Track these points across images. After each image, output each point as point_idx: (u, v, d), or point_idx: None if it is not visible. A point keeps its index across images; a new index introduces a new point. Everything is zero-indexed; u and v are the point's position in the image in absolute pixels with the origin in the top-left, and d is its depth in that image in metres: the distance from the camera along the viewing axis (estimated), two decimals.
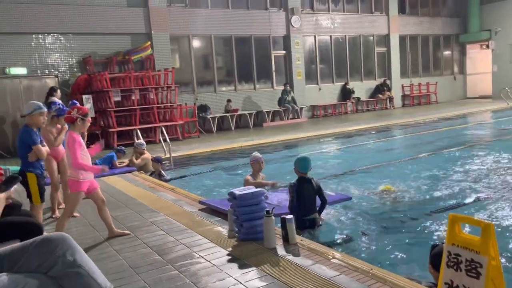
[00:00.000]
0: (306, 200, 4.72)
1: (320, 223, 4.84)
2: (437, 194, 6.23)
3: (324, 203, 4.87)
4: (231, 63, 16.28)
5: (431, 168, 7.93)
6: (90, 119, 4.51)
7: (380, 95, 19.74)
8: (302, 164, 4.85)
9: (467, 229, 3.98)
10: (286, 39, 17.26)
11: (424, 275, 3.44)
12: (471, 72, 23.41)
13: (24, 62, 12.41)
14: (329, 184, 7.18)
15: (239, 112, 15.77)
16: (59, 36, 12.92)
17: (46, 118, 4.83)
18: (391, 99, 19.99)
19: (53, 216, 5.51)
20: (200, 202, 5.56)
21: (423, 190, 6.46)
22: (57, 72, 12.95)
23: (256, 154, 6.38)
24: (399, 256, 4.22)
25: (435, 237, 4.55)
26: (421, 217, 5.30)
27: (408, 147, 11.06)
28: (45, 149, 4.87)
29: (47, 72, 12.82)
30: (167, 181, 7.97)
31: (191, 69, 15.34)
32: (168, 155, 9.69)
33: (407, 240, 4.63)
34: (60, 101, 9.29)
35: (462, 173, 7.46)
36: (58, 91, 10.01)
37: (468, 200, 5.87)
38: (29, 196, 4.69)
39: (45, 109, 4.77)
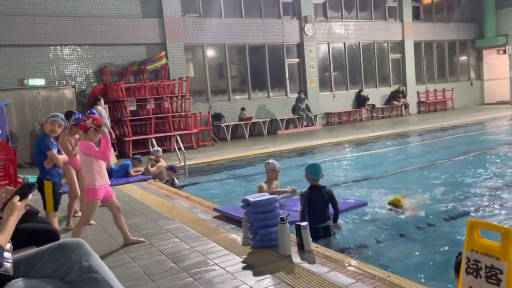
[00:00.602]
0: (318, 207, 4.63)
1: (335, 230, 4.76)
2: (455, 200, 6.12)
3: (337, 211, 4.78)
4: (245, 72, 16.36)
5: (448, 175, 7.80)
6: (104, 130, 4.55)
7: (395, 102, 19.58)
8: (313, 171, 4.77)
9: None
10: (300, 47, 17.29)
11: (441, 281, 3.37)
12: (488, 77, 23.06)
13: (42, 73, 12.68)
14: (344, 191, 7.13)
15: (253, 120, 15.80)
16: (76, 47, 13.17)
17: (58, 127, 4.82)
18: (406, 105, 19.80)
19: (67, 227, 5.44)
20: (215, 210, 5.57)
21: (441, 197, 6.35)
22: (74, 82, 13.19)
23: (273, 162, 6.24)
24: (416, 263, 4.14)
25: (453, 244, 4.46)
26: (439, 223, 5.21)
27: (424, 153, 10.91)
28: (62, 157, 4.91)
29: (64, 83, 13.06)
30: (180, 188, 8.00)
31: (205, 78, 15.46)
32: (183, 163, 9.74)
33: (424, 247, 4.54)
34: (104, 109, 9.69)
35: (481, 179, 7.32)
36: (102, 100, 10.45)
37: (487, 206, 5.75)
38: (44, 204, 4.73)
39: (57, 119, 4.80)
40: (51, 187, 4.69)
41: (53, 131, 4.75)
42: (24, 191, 2.03)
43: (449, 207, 5.80)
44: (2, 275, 1.88)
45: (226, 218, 5.21)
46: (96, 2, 13.29)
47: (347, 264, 3.51)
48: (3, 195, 2.01)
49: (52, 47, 12.83)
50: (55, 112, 5.00)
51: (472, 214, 5.41)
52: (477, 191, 6.53)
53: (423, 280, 3.56)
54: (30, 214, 3.26)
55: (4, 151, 6.98)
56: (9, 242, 1.89)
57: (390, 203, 5.81)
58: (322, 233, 4.58)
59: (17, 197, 1.98)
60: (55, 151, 4.74)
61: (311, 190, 4.70)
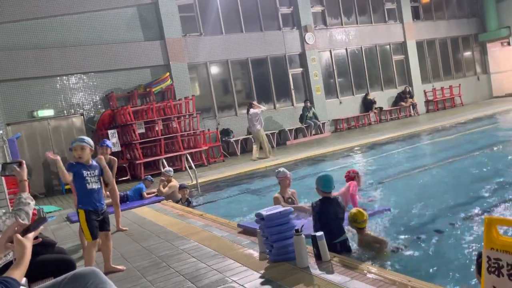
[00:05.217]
0: (332, 221, 4.38)
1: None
2: (470, 198, 6.02)
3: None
4: (250, 85, 16.43)
5: (461, 172, 7.70)
6: None
7: (403, 103, 19.46)
8: (324, 182, 4.56)
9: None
10: (302, 57, 17.34)
11: (463, 283, 3.30)
12: (495, 70, 22.85)
13: (51, 104, 12.86)
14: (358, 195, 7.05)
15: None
16: (82, 75, 13.37)
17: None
18: (414, 106, 19.68)
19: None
20: (239, 226, 5.51)
21: (456, 195, 6.25)
22: (82, 110, 13.35)
23: (284, 169, 6.22)
24: (437, 266, 4.06)
25: (474, 243, 4.37)
26: (456, 222, 5.12)
27: (436, 152, 10.79)
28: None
29: (73, 112, 13.23)
30: (194, 207, 7.99)
31: (211, 95, 15.55)
32: (194, 182, 9.75)
33: (445, 249, 4.45)
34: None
35: (495, 174, 7.20)
36: (255, 102, 12.00)
37: (503, 202, 5.64)
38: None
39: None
40: (83, 215, 4.42)
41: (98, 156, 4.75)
42: (35, 225, 2.04)
43: (467, 206, 5.70)
44: None
45: (241, 233, 5.18)
46: (98, 30, 13.52)
47: (366, 272, 3.46)
48: (16, 228, 2.02)
49: (58, 78, 13.03)
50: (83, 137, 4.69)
51: (489, 211, 5.31)
52: (493, 187, 6.41)
53: (447, 285, 3.49)
54: (47, 246, 3.27)
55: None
56: (24, 277, 1.90)
57: (352, 221, 4.55)
58: (339, 248, 4.31)
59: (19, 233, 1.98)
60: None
61: (323, 203, 4.49)
